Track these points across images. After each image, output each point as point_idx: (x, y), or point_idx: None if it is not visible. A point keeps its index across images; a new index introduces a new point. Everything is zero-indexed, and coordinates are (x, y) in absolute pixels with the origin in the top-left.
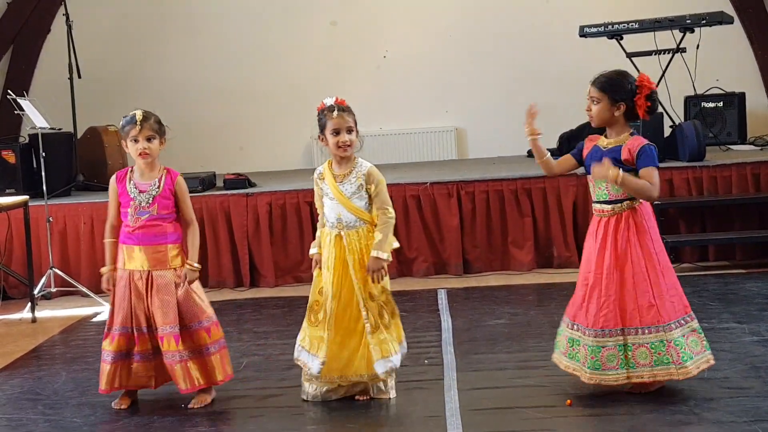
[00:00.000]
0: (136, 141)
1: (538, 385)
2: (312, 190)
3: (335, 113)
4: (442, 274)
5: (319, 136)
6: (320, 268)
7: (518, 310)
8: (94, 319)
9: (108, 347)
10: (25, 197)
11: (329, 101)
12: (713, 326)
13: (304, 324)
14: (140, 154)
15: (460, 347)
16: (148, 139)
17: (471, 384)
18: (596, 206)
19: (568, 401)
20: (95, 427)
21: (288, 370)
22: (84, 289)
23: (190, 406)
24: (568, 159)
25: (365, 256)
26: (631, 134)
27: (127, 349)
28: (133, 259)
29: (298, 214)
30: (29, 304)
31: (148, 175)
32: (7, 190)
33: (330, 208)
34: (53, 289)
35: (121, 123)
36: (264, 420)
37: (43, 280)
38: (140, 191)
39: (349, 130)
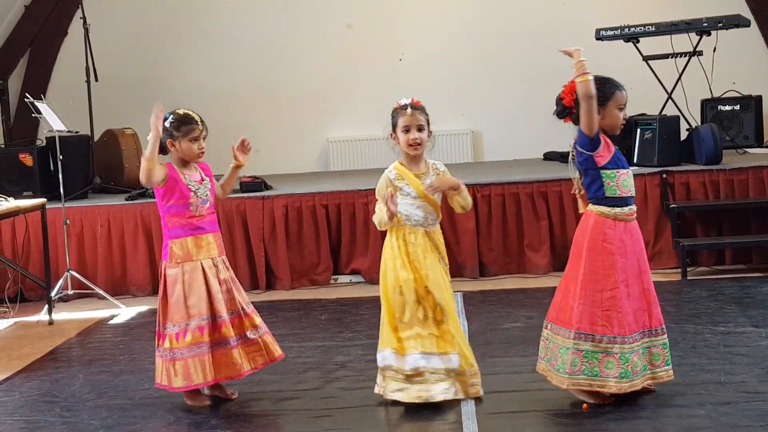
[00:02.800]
0: (195, 140)
1: (554, 389)
2: (326, 193)
3: (408, 110)
4: (458, 277)
5: (390, 134)
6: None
7: (534, 314)
8: (111, 322)
9: (196, 340)
10: (43, 200)
11: (405, 101)
12: (730, 330)
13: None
14: (200, 154)
15: (476, 351)
16: (204, 138)
17: (487, 388)
18: (628, 209)
19: (585, 405)
20: (112, 430)
21: (304, 373)
22: (101, 292)
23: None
24: None
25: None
26: None
27: (216, 339)
28: (207, 248)
29: (314, 217)
30: (46, 306)
31: (192, 169)
32: (25, 193)
33: (415, 207)
34: (70, 292)
35: (170, 122)
36: (280, 423)
37: (60, 282)
38: (197, 182)
39: (420, 129)
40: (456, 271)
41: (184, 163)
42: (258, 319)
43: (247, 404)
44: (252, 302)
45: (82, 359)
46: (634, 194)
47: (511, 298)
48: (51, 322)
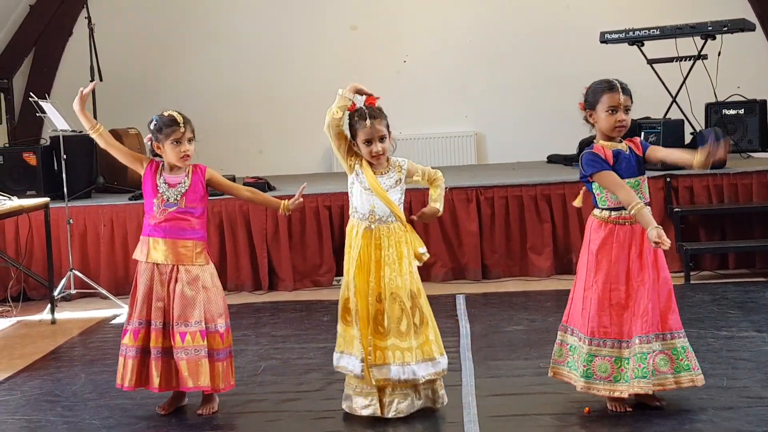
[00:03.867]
0: (177, 143)
1: (556, 392)
2: (329, 194)
3: (367, 122)
4: (461, 280)
5: (352, 142)
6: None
7: (537, 317)
8: (114, 321)
9: (130, 343)
10: (46, 199)
11: (360, 102)
12: (733, 335)
13: (339, 327)
14: (182, 157)
15: (479, 353)
16: (189, 141)
17: (489, 390)
18: (616, 213)
19: (587, 409)
20: (113, 430)
21: (306, 374)
22: (103, 291)
23: (199, 412)
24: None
25: (395, 251)
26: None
27: (146, 345)
28: (157, 252)
29: (317, 218)
30: (49, 305)
31: (177, 171)
32: (28, 192)
33: (363, 199)
34: (73, 291)
35: (154, 124)
36: (281, 424)
37: (63, 281)
38: (169, 186)
39: (382, 138)
40: (458, 273)
41: (174, 166)
42: (186, 342)
43: (248, 405)
44: (254, 303)
45: (84, 359)
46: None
47: (514, 300)
48: (53, 322)
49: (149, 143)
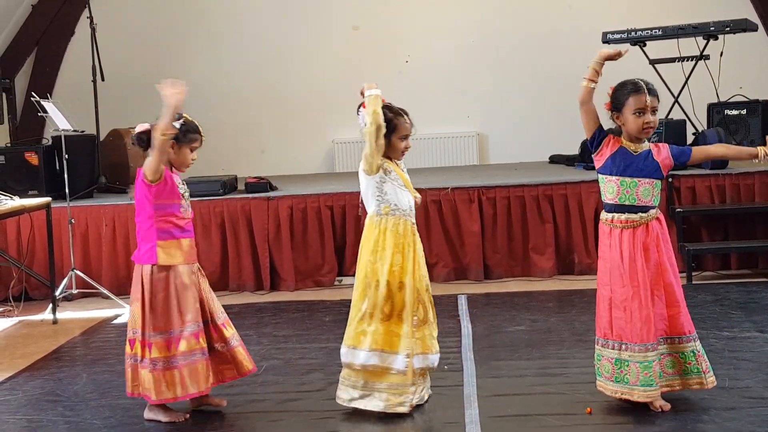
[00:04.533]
0: (193, 150)
1: (558, 393)
2: (331, 194)
3: (406, 118)
4: (463, 280)
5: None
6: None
7: (539, 317)
8: (115, 321)
9: (182, 350)
10: (48, 199)
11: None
12: (735, 335)
13: (373, 326)
14: (188, 165)
15: (480, 353)
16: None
17: (491, 391)
18: (610, 216)
19: (588, 409)
20: (114, 429)
21: (307, 374)
22: (105, 291)
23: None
24: (595, 119)
25: (421, 246)
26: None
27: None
28: (191, 252)
29: (318, 218)
30: (51, 305)
31: (175, 172)
32: (30, 192)
33: (402, 196)
34: (74, 291)
35: (183, 127)
36: (283, 424)
37: (64, 281)
38: (183, 185)
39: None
40: (460, 273)
41: (172, 167)
42: (228, 332)
43: (250, 405)
44: (256, 303)
45: (85, 358)
46: (628, 202)
47: (516, 301)
48: (55, 321)
49: (145, 136)
